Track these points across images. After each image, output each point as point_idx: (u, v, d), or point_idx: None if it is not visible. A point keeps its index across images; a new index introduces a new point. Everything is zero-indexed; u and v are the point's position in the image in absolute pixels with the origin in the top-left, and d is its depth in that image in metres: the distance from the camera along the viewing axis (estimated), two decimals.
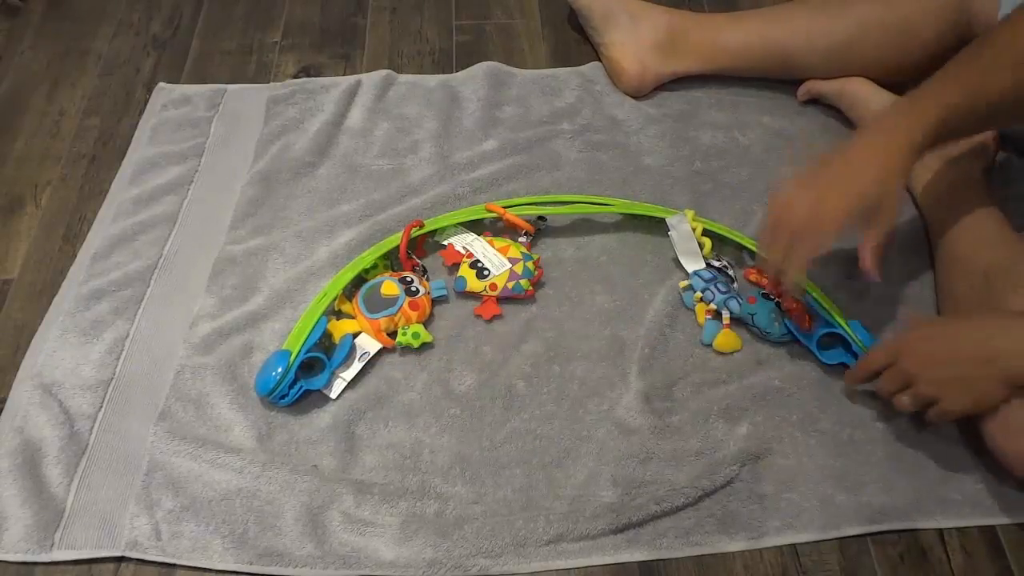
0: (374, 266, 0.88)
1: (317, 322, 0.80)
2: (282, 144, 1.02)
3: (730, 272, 0.88)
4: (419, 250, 0.92)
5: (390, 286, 0.85)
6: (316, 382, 0.79)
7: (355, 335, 0.82)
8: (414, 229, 0.89)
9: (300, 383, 0.78)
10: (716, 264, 0.88)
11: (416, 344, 0.82)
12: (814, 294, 0.83)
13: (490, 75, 1.10)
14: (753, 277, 0.89)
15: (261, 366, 0.79)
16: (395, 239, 0.89)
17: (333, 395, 0.80)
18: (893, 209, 0.70)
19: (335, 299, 0.84)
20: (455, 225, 0.92)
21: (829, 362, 0.81)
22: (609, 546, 0.71)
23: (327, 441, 0.77)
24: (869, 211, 0.69)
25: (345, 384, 0.80)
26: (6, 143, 1.04)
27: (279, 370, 0.76)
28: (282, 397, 0.78)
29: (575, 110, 1.07)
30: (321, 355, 0.79)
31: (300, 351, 0.78)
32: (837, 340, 0.81)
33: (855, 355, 0.80)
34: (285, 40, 1.18)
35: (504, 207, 0.91)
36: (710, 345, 0.84)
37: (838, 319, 0.81)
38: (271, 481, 0.74)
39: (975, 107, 0.69)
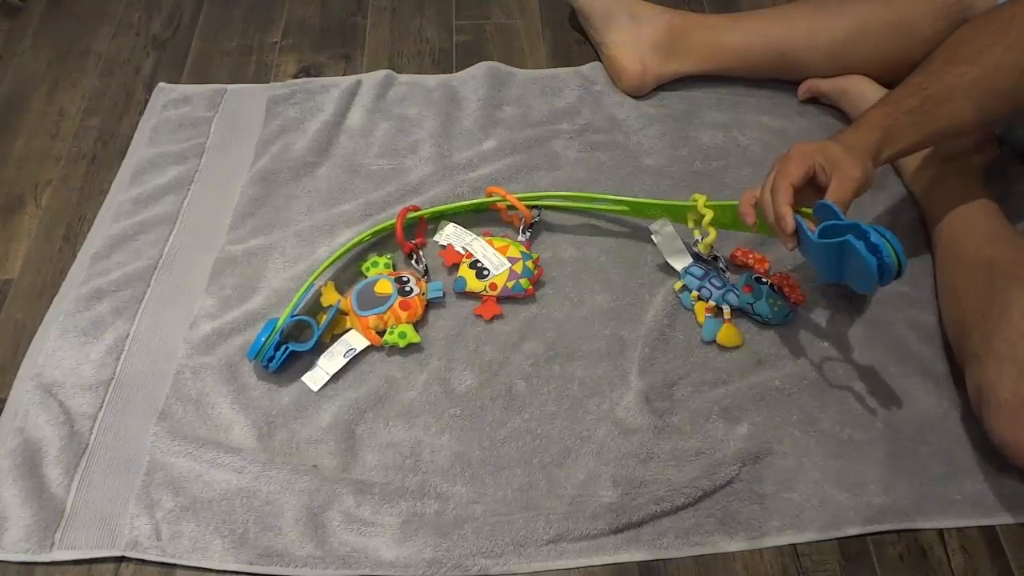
0: (375, 264, 0.88)
1: (306, 290, 0.83)
2: (282, 144, 1.02)
3: (720, 264, 0.88)
4: (419, 238, 0.92)
5: (384, 285, 0.85)
6: (303, 345, 0.80)
7: (343, 311, 0.84)
8: (410, 213, 0.90)
9: (287, 345, 0.80)
10: (705, 256, 0.88)
11: (403, 344, 0.82)
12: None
13: (490, 75, 1.10)
14: (740, 259, 0.89)
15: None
16: (392, 223, 0.90)
17: (315, 388, 0.80)
18: (850, 171, 0.73)
19: (327, 267, 0.86)
20: (449, 218, 0.92)
21: (823, 240, 0.70)
22: (609, 546, 0.71)
23: (327, 441, 0.77)
24: (831, 164, 0.74)
25: (328, 378, 0.80)
26: (6, 143, 1.04)
27: (266, 335, 0.79)
28: (269, 360, 0.79)
29: (575, 110, 1.07)
30: (310, 319, 0.81)
31: (287, 316, 0.80)
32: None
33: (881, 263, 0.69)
34: (285, 40, 1.18)
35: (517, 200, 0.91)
36: (712, 342, 0.84)
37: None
38: (271, 481, 0.74)
39: (923, 105, 0.77)
